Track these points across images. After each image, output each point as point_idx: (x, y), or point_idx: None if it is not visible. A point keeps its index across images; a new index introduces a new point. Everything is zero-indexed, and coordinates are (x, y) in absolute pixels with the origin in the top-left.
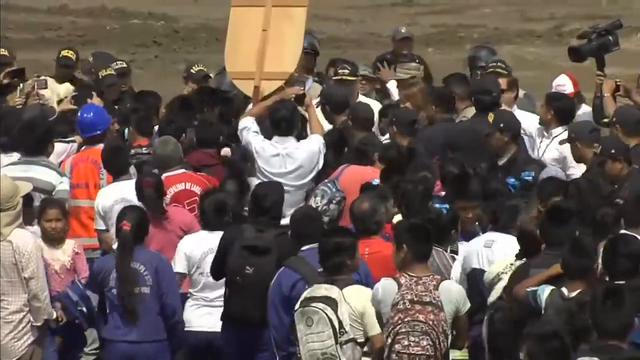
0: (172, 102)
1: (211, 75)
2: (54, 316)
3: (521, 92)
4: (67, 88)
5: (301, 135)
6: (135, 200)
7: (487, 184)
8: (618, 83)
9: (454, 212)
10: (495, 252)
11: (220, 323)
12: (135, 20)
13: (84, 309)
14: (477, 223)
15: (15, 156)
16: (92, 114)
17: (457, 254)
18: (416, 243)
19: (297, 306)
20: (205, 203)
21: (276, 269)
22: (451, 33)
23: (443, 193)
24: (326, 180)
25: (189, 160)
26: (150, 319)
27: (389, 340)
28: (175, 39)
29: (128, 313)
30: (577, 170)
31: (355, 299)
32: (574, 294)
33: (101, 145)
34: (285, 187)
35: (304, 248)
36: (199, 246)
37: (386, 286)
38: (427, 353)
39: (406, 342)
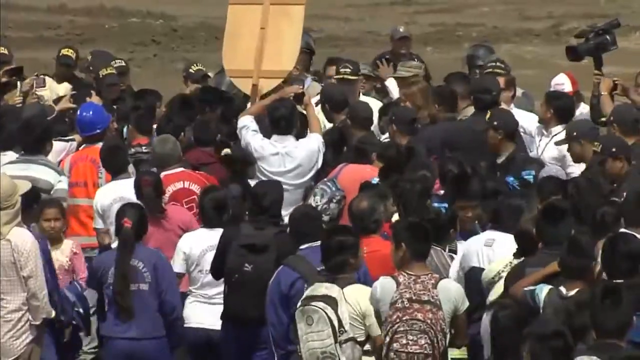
0: (172, 101)
1: (210, 74)
2: (53, 315)
3: (519, 91)
4: (66, 87)
5: (300, 134)
6: (134, 199)
7: (486, 183)
8: (616, 82)
9: (452, 211)
10: (496, 251)
11: (219, 319)
12: (133, 18)
13: (81, 310)
14: (476, 222)
15: (10, 155)
16: (91, 112)
17: (455, 253)
18: (415, 242)
19: (298, 305)
20: (204, 200)
21: (275, 267)
22: (449, 32)
23: (442, 192)
24: (325, 179)
25: (187, 159)
26: (149, 316)
27: (387, 339)
28: (173, 37)
29: (122, 310)
30: (577, 168)
31: (357, 299)
32: (572, 293)
33: (100, 144)
34: (284, 186)
35: (302, 247)
36: (198, 244)
37: (385, 285)
38: (426, 352)
39: (404, 341)
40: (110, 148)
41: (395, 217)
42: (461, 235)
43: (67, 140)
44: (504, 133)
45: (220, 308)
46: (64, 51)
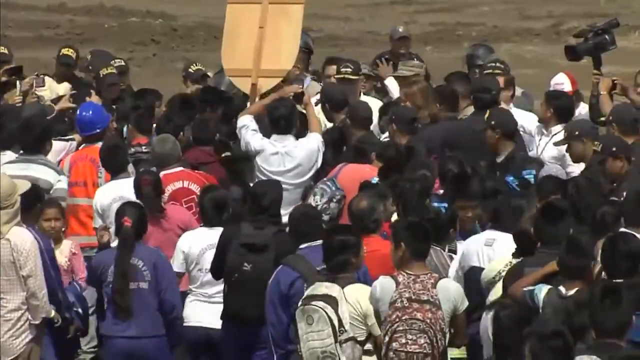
0: (172, 100)
1: (210, 74)
2: (52, 315)
3: (519, 91)
4: (65, 87)
5: (300, 134)
6: (133, 199)
7: (485, 183)
8: (615, 81)
9: (452, 211)
10: (496, 251)
11: (219, 318)
12: (133, 18)
13: (80, 310)
14: (476, 222)
15: (9, 154)
16: (91, 112)
17: (455, 253)
18: (414, 241)
19: (299, 304)
20: (204, 199)
21: (274, 267)
22: (449, 31)
23: (441, 191)
24: (325, 179)
25: (186, 159)
26: (149, 314)
27: (387, 339)
28: (173, 37)
29: (121, 310)
30: (577, 168)
31: (358, 298)
32: (571, 292)
33: (100, 144)
34: (284, 186)
35: (302, 246)
36: (197, 242)
37: (384, 284)
38: (425, 351)
39: (404, 340)
40: (110, 147)
41: (395, 217)
42: (461, 235)
43: (67, 140)
44: (502, 132)
45: (220, 307)
46: (64, 51)
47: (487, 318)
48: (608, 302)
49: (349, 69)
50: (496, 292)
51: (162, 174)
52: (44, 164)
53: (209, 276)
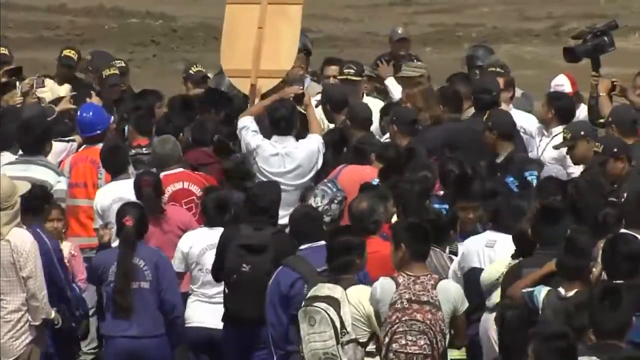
0: (173, 101)
1: (210, 75)
2: (52, 316)
3: (519, 92)
4: (66, 89)
5: (300, 135)
6: (133, 200)
7: (485, 183)
8: (614, 82)
9: (453, 212)
10: (497, 252)
11: (219, 318)
12: (133, 19)
13: (80, 312)
14: (478, 223)
15: (8, 156)
16: (91, 113)
17: (456, 255)
18: (414, 242)
19: (302, 305)
20: (207, 199)
21: (273, 267)
22: (449, 32)
23: (441, 192)
24: (326, 180)
25: (186, 159)
26: (150, 314)
27: (387, 340)
28: (173, 38)
29: (121, 309)
30: (577, 169)
31: (360, 300)
32: (570, 293)
33: (100, 145)
34: (284, 187)
35: (302, 247)
36: (198, 242)
37: (384, 285)
38: (425, 352)
39: (403, 341)
40: (111, 148)
41: (396, 218)
42: (461, 237)
43: (68, 141)
44: (498, 133)
45: (222, 307)
46: (66, 52)
47: (487, 319)
48: (608, 303)
49: (352, 70)
50: (499, 294)
51: (162, 174)
52: (43, 165)
53: (210, 276)
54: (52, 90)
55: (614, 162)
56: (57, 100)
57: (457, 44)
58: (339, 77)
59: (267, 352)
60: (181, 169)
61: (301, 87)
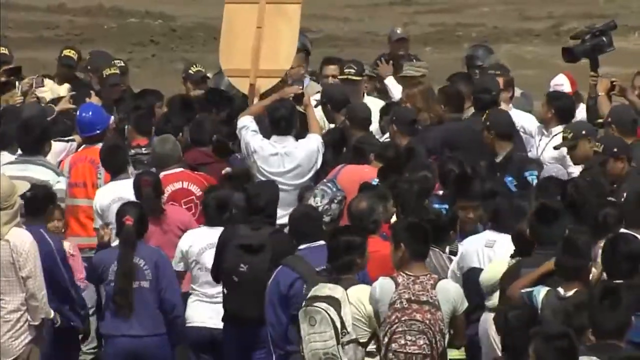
0: (172, 101)
1: (209, 75)
2: (52, 315)
3: (518, 92)
4: (66, 88)
5: (300, 135)
6: (133, 200)
7: (485, 183)
8: (613, 82)
9: (453, 212)
10: (497, 252)
11: (220, 318)
12: (132, 19)
13: (85, 312)
14: (478, 223)
15: (6, 155)
16: (90, 113)
17: (456, 255)
18: (414, 242)
19: (302, 305)
20: (208, 198)
21: (271, 267)
22: (449, 32)
23: (441, 192)
24: (325, 180)
25: (185, 159)
26: (150, 313)
27: (386, 340)
28: (172, 37)
29: (121, 309)
30: (577, 168)
31: (361, 299)
32: (570, 293)
33: (100, 145)
34: (283, 187)
35: (301, 247)
36: (198, 241)
37: (384, 285)
38: (424, 352)
39: (403, 341)
40: (110, 148)
41: (395, 218)
42: (461, 237)
43: (67, 141)
44: (496, 133)
45: (221, 306)
46: (66, 52)
47: (486, 319)
48: (607, 303)
49: (353, 70)
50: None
51: (161, 174)
52: (42, 165)
53: (210, 276)
54: (52, 89)
55: (614, 162)
56: (57, 100)
57: (457, 43)
58: (339, 77)
59: (266, 351)
60: (181, 169)
61: (301, 87)
